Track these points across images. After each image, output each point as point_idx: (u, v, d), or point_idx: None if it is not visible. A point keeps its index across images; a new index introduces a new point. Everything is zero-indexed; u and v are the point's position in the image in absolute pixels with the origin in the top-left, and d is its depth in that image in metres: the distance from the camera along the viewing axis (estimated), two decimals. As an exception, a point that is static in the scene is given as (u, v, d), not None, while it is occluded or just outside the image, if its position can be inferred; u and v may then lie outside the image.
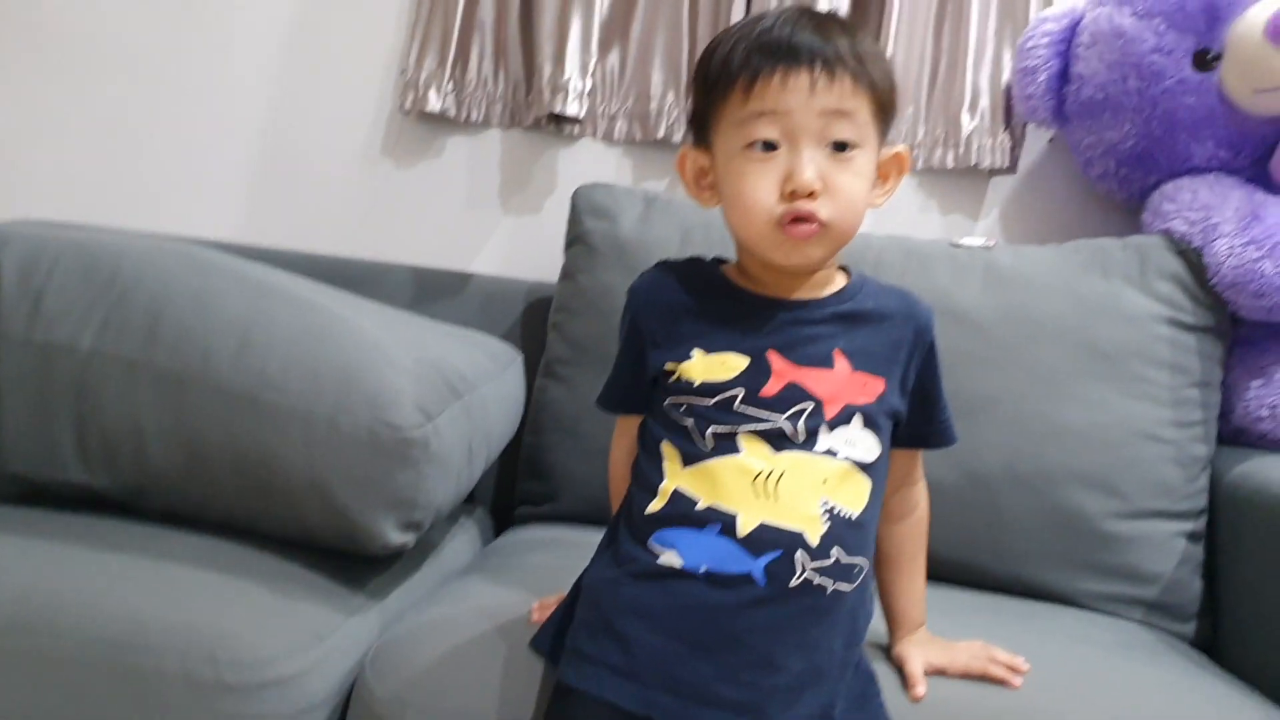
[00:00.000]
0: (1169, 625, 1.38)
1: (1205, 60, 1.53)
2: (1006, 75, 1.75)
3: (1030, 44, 1.66)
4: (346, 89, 1.87)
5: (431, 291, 1.75)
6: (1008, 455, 1.41)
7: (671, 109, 1.79)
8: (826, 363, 0.97)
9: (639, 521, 0.96)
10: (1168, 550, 1.39)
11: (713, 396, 0.96)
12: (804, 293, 1.00)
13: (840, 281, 1.03)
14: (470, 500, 1.64)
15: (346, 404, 1.10)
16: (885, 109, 0.97)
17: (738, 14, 1.76)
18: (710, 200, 1.02)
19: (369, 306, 1.38)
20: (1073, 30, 1.64)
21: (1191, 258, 1.48)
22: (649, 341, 1.01)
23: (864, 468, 0.96)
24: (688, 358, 0.98)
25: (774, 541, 0.92)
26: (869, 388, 0.97)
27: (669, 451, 0.97)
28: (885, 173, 1.01)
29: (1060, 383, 1.42)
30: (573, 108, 1.72)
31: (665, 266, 1.05)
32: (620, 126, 1.82)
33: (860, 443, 0.96)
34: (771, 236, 0.95)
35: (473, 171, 1.86)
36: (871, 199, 0.99)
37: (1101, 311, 1.45)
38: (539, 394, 1.59)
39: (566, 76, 1.72)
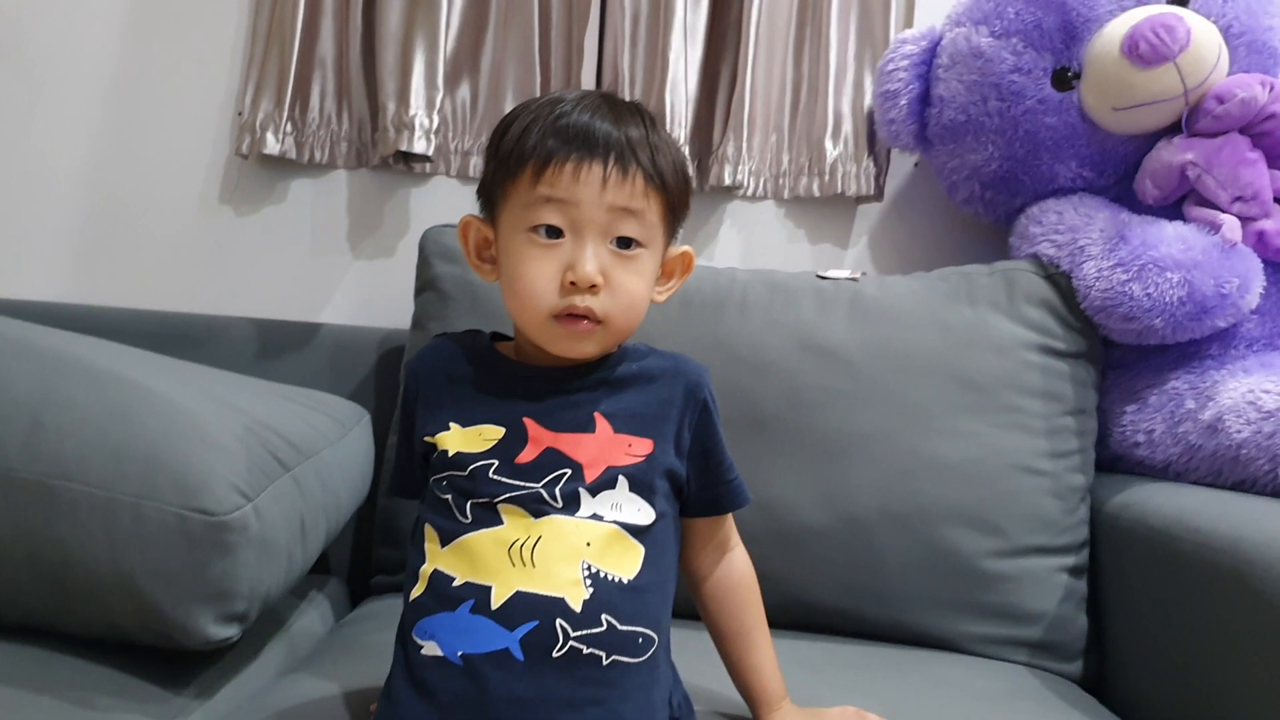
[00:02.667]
0: (1055, 665, 1.33)
1: (1065, 79, 1.50)
2: (868, 100, 1.71)
3: (890, 67, 1.62)
4: (180, 133, 1.75)
5: (277, 345, 1.65)
6: (882, 495, 1.35)
7: (526, 144, 1.71)
8: (586, 426, 0.93)
9: (406, 612, 0.91)
10: (1050, 587, 1.34)
11: (467, 467, 0.91)
12: (567, 361, 0.96)
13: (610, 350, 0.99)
14: (324, 572, 1.54)
15: (152, 489, 0.98)
16: (675, 210, 0.95)
17: (590, 45, 1.70)
18: (490, 275, 0.98)
19: (194, 374, 1.27)
20: (932, 52, 1.61)
21: (1060, 282, 1.45)
22: (416, 416, 0.98)
23: (635, 532, 0.91)
24: (445, 429, 0.94)
25: (530, 610, 0.86)
26: (634, 449, 0.93)
27: (429, 532, 0.92)
28: (670, 269, 1.00)
29: (932, 417, 1.37)
30: (420, 145, 1.63)
31: (442, 339, 1.02)
32: (474, 163, 1.74)
33: (627, 506, 0.91)
34: (547, 327, 0.92)
35: (319, 215, 1.76)
36: (653, 295, 0.97)
37: (970, 341, 1.40)
38: (391, 452, 1.48)
39: (412, 113, 1.63)
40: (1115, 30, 1.44)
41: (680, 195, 0.95)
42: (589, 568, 0.87)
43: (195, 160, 1.75)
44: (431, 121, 1.65)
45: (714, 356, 1.36)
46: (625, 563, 0.89)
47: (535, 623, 0.85)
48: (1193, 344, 1.43)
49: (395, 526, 1.46)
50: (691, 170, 1.65)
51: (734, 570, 1.02)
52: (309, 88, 1.71)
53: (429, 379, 0.99)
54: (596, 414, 0.94)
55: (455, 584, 0.88)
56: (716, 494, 0.99)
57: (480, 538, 0.89)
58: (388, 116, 1.64)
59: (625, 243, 0.91)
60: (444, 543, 0.90)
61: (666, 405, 0.96)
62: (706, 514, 1.00)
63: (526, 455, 0.91)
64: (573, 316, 0.90)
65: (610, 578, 0.88)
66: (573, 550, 0.88)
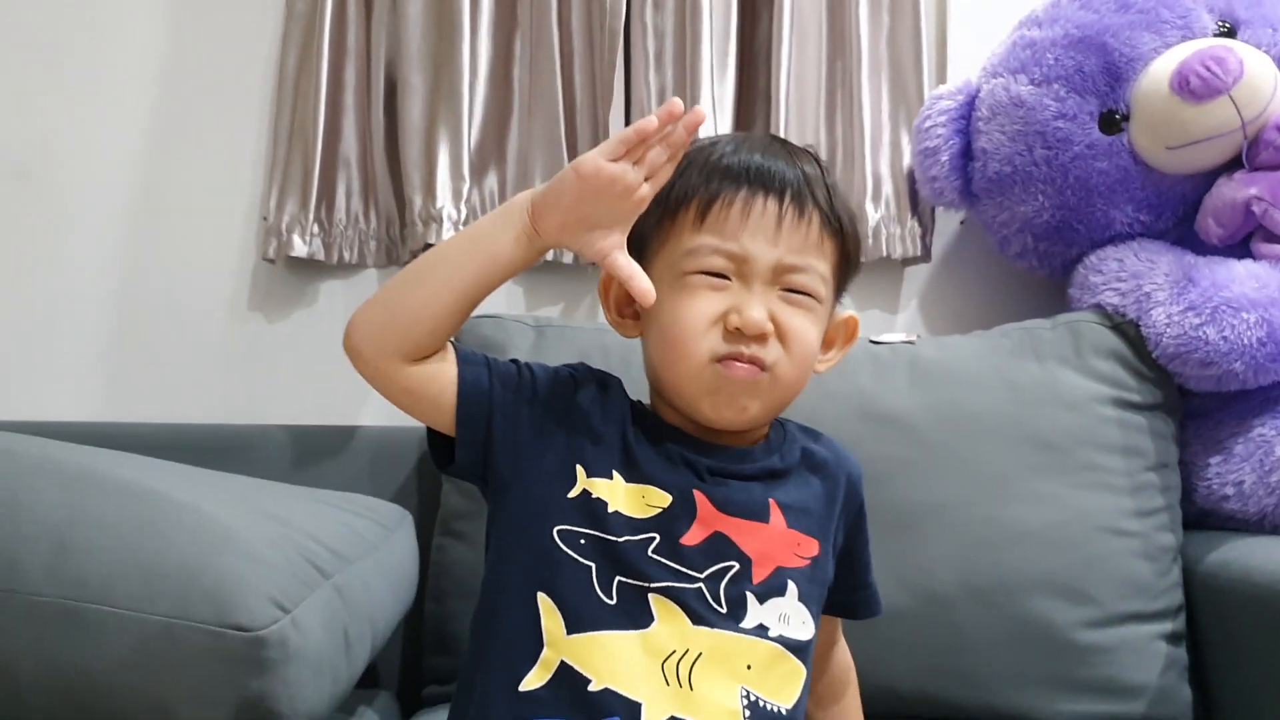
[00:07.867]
0: (1163, 742, 1.23)
1: (1113, 122, 1.44)
2: (907, 159, 1.66)
3: (928, 124, 1.57)
4: (205, 241, 1.72)
5: (314, 452, 1.58)
6: (961, 568, 1.26)
7: (559, 229, 1.67)
8: (761, 514, 0.82)
9: (504, 700, 0.77)
10: (1149, 657, 1.25)
11: (623, 535, 0.79)
12: (728, 440, 0.86)
13: (762, 429, 0.89)
14: (372, 685, 1.46)
15: (184, 607, 0.92)
16: (849, 263, 0.87)
17: (616, 124, 1.66)
18: (633, 330, 0.89)
19: (227, 483, 1.21)
20: (970, 105, 1.56)
21: (1128, 330, 1.38)
22: (576, 425, 0.84)
23: (797, 650, 0.80)
24: (606, 476, 0.81)
25: None
26: (803, 549, 0.83)
27: (547, 608, 0.79)
28: (832, 337, 0.90)
29: (1007, 482, 1.29)
30: (449, 237, 1.59)
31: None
32: (507, 252, 1.69)
33: (794, 618, 0.81)
34: (704, 378, 0.81)
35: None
36: (815, 363, 0.87)
37: (1040, 399, 1.33)
38: (438, 555, 1.41)
39: (439, 205, 1.59)
40: (1163, 67, 1.39)
41: (854, 243, 0.87)
42: (748, 695, 0.77)
43: (222, 268, 1.72)
44: (460, 213, 1.61)
45: (769, 433, 1.29)
46: (786, 688, 0.79)
47: None
48: (1275, 386, 1.34)
49: (446, 633, 1.37)
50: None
51: (842, 669, 0.96)
52: (334, 187, 1.67)
53: (606, 401, 0.86)
54: (772, 501, 0.83)
55: (592, 687, 0.75)
56: (854, 600, 0.93)
57: (627, 641, 0.77)
58: (415, 210, 1.61)
59: (796, 291, 0.83)
60: (572, 628, 0.77)
61: (830, 503, 0.87)
62: (838, 616, 0.93)
63: (693, 536, 0.80)
64: (737, 361, 0.80)
65: (770, 708, 0.77)
66: (732, 673, 0.77)
